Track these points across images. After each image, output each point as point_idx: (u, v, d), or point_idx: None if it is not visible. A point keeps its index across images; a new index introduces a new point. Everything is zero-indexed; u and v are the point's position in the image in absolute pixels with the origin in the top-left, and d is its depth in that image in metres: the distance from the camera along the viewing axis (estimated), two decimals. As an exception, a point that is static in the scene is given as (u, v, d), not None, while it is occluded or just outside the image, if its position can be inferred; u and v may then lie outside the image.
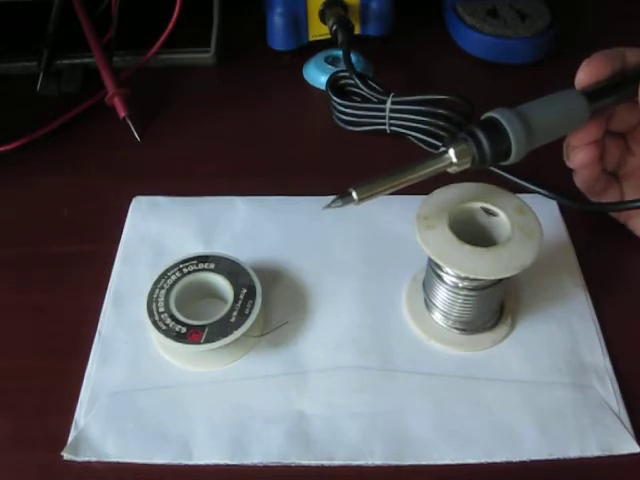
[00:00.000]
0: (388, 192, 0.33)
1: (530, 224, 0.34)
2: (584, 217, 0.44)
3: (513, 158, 0.34)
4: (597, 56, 0.37)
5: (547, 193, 0.42)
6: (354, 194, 0.32)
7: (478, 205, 0.35)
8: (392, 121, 0.48)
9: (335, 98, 0.50)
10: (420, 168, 0.33)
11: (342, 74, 0.51)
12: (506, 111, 0.34)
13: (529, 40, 0.56)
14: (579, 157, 0.39)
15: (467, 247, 0.32)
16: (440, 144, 0.46)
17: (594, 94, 0.36)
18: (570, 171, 0.41)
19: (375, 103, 0.49)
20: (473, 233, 0.34)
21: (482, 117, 0.34)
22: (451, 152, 0.33)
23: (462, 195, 0.35)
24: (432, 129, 0.47)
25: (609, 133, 0.40)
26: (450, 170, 0.33)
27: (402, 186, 0.33)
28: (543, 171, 0.43)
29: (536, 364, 0.36)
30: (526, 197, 0.44)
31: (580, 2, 0.64)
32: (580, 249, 0.42)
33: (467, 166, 0.33)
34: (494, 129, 0.33)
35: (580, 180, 0.41)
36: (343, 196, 0.32)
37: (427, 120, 0.47)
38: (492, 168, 0.44)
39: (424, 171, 0.33)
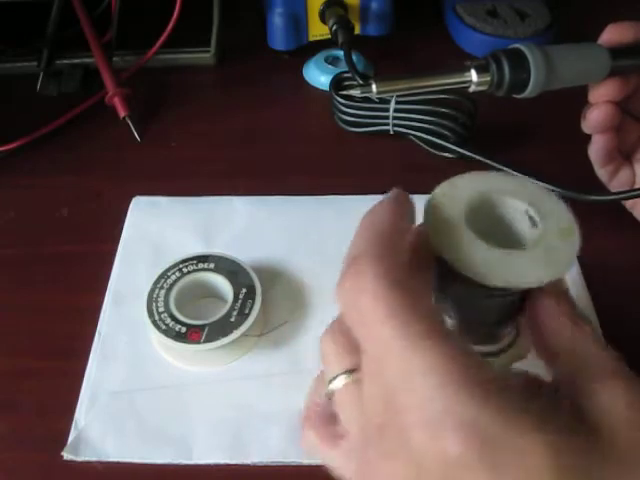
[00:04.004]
0: (406, 91, 0.34)
1: (561, 256, 0.25)
2: (583, 216, 0.43)
3: (529, 91, 0.35)
4: (623, 21, 0.38)
5: (549, 186, 0.42)
6: (374, 86, 0.33)
7: (524, 206, 0.27)
8: (396, 121, 0.48)
9: (339, 99, 0.50)
10: (440, 76, 0.35)
11: (346, 75, 0.51)
12: (532, 45, 0.35)
13: (529, 40, 0.56)
14: (595, 113, 0.39)
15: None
16: (444, 144, 0.47)
17: (616, 51, 0.37)
18: (570, 169, 0.41)
19: (378, 103, 0.48)
20: (486, 219, 0.28)
21: (509, 47, 0.36)
22: (473, 69, 0.34)
23: (508, 185, 0.28)
24: (437, 129, 0.47)
25: (629, 115, 0.40)
26: (468, 89, 0.35)
27: (419, 89, 0.34)
28: (545, 168, 0.43)
29: (536, 363, 0.36)
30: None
31: (580, 2, 0.64)
32: (579, 247, 0.41)
33: (484, 88, 0.35)
34: (517, 58, 0.35)
35: (594, 149, 0.41)
36: (363, 85, 0.34)
37: (432, 120, 0.47)
38: (495, 164, 0.44)
39: (443, 80, 0.35)
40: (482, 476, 0.19)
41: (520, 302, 0.27)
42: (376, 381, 0.22)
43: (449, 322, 0.29)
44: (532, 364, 0.35)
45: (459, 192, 0.26)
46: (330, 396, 0.26)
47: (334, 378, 0.25)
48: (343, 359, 0.25)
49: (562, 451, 0.19)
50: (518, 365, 0.31)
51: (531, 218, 0.26)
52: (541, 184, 0.42)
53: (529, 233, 0.27)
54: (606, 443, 0.20)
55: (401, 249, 0.23)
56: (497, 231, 0.27)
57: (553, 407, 0.21)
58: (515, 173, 0.44)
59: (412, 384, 0.20)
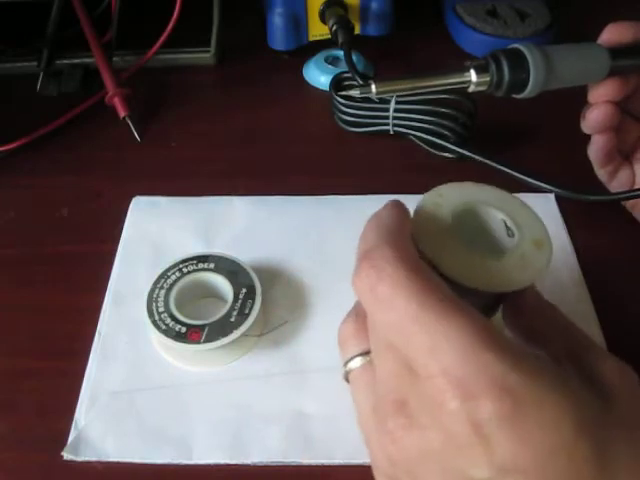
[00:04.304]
0: (405, 92, 0.34)
1: (533, 265, 0.27)
2: (583, 216, 0.44)
3: (528, 91, 0.35)
4: (623, 21, 0.38)
5: (549, 187, 0.42)
6: (373, 87, 0.34)
7: (500, 215, 0.29)
8: (396, 121, 0.48)
9: (339, 99, 0.50)
10: (439, 77, 0.35)
11: (346, 75, 0.51)
12: (531, 45, 0.35)
13: (529, 40, 0.56)
14: (595, 113, 0.39)
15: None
16: (444, 144, 0.47)
17: (616, 51, 0.37)
18: (570, 169, 0.41)
19: (378, 104, 0.48)
20: (467, 226, 0.30)
21: (508, 47, 0.36)
22: (472, 70, 0.34)
23: (489, 196, 0.30)
24: (437, 129, 0.47)
25: (629, 115, 0.40)
26: (468, 89, 0.35)
27: (419, 90, 0.35)
28: (545, 168, 0.43)
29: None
30: (524, 196, 0.45)
31: (580, 2, 0.64)
32: (579, 247, 0.42)
33: (483, 88, 0.35)
34: (517, 58, 0.35)
35: (594, 150, 0.41)
36: (362, 86, 0.34)
37: (432, 120, 0.47)
38: (494, 164, 0.44)
39: (442, 80, 0.35)
40: (510, 433, 0.20)
41: (494, 302, 0.29)
42: (392, 358, 0.23)
43: None
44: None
45: (445, 200, 0.29)
46: (346, 377, 0.27)
47: (351, 359, 0.26)
48: (361, 342, 0.26)
49: (581, 409, 0.21)
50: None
51: (508, 228, 0.29)
52: (541, 184, 0.42)
53: (506, 241, 0.29)
54: (612, 406, 0.22)
55: (408, 241, 0.25)
56: (479, 238, 0.29)
57: (563, 372, 0.23)
58: (515, 173, 0.44)
59: (438, 352, 0.21)
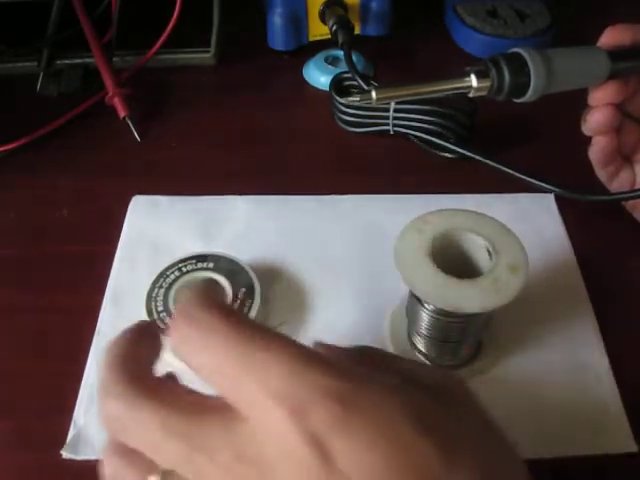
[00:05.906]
0: (405, 98, 0.35)
1: (506, 288, 0.29)
2: (583, 216, 0.44)
3: (529, 96, 0.35)
4: (621, 24, 0.38)
5: (549, 187, 0.42)
6: (373, 94, 0.34)
7: (483, 242, 0.31)
8: (396, 121, 0.48)
9: (339, 99, 0.50)
10: (439, 83, 0.35)
11: (346, 75, 0.51)
12: (531, 49, 0.35)
13: (529, 40, 0.56)
14: (595, 116, 0.39)
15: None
16: (444, 144, 0.47)
17: (616, 54, 0.37)
18: (570, 169, 0.41)
19: (378, 103, 0.48)
20: (449, 251, 0.32)
21: (508, 51, 0.36)
22: (472, 75, 0.35)
23: (474, 223, 0.32)
24: (437, 129, 0.47)
25: (629, 117, 0.40)
26: (468, 94, 0.35)
27: (419, 96, 0.35)
28: (545, 168, 0.43)
29: (534, 363, 0.36)
30: (525, 196, 0.45)
31: (579, 2, 0.64)
32: (578, 247, 0.42)
33: (484, 93, 0.35)
34: (517, 62, 0.35)
35: (595, 151, 0.41)
36: (363, 93, 0.34)
37: (432, 120, 0.47)
38: (494, 164, 0.44)
39: (442, 87, 0.35)
40: (346, 440, 0.19)
41: (483, 323, 0.31)
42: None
43: (420, 340, 0.35)
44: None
45: (428, 227, 0.30)
46: None
47: None
48: (141, 464, 0.23)
49: (417, 409, 0.21)
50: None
51: (489, 252, 0.30)
52: (541, 184, 0.42)
53: (486, 265, 0.30)
54: (449, 406, 0.22)
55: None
56: (459, 262, 0.31)
57: (394, 381, 0.23)
58: (515, 173, 0.44)
59: (264, 384, 0.20)
